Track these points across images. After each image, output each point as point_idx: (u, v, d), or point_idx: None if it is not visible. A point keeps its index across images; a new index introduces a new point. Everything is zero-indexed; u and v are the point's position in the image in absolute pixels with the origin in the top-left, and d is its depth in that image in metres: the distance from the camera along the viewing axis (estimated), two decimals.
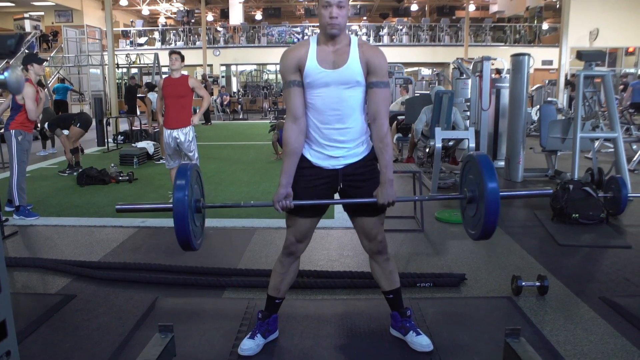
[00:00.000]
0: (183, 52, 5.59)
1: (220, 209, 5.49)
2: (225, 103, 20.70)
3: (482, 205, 2.25)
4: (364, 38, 24.54)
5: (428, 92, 11.27)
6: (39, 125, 9.67)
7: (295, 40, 24.72)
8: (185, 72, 5.52)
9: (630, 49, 22.83)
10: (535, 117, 11.43)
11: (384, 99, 2.34)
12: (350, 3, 24.51)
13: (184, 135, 5.37)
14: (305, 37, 2.21)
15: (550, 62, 22.01)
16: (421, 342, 2.54)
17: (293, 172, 2.38)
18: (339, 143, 2.37)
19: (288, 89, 2.34)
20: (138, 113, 13.86)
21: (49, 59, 18.21)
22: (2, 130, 5.37)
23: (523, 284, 3.21)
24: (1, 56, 0.92)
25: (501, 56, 8.40)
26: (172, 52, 5.37)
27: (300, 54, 2.31)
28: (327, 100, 2.32)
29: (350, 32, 2.34)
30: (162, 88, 5.41)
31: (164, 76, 5.40)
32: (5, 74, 0.83)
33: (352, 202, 2.45)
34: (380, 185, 2.35)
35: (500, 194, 2.20)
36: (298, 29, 25.10)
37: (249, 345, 2.53)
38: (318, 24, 2.33)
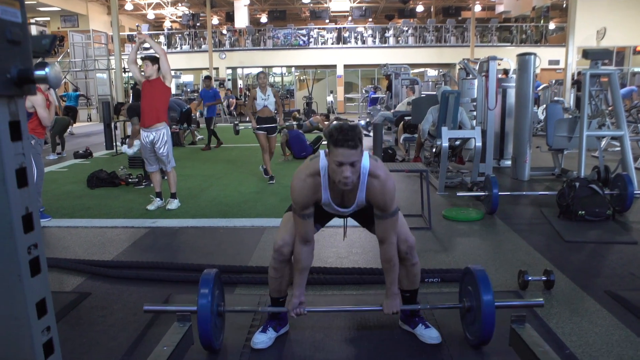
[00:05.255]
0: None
1: (229, 209, 5.56)
2: (232, 107, 20.78)
3: (479, 315, 2.42)
4: (370, 40, 24.60)
5: (434, 92, 11.31)
6: (48, 133, 9.78)
7: (301, 42, 24.79)
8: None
9: (638, 48, 22.72)
10: (541, 117, 11.44)
11: (392, 225, 2.44)
12: (356, 5, 24.18)
13: (157, 134, 5.41)
14: (316, 162, 2.24)
15: (557, 62, 21.93)
16: (430, 334, 2.61)
17: (304, 285, 2.55)
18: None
19: (302, 220, 2.43)
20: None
21: (56, 64, 18.41)
22: None
23: (529, 278, 3.25)
24: (37, 55, 0.98)
25: (507, 56, 8.42)
26: (142, 58, 5.44)
27: (316, 195, 2.40)
28: (333, 214, 2.62)
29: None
30: (141, 91, 5.49)
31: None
32: (47, 69, 0.90)
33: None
34: (386, 297, 2.56)
35: (495, 303, 2.38)
36: (303, 32, 25.17)
37: (261, 339, 2.60)
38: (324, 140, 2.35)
